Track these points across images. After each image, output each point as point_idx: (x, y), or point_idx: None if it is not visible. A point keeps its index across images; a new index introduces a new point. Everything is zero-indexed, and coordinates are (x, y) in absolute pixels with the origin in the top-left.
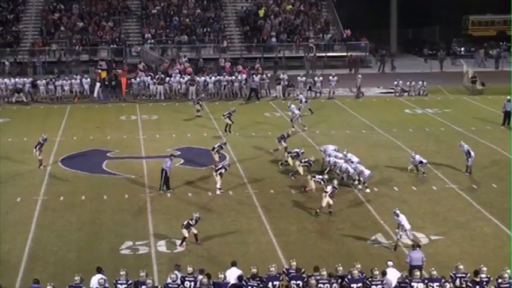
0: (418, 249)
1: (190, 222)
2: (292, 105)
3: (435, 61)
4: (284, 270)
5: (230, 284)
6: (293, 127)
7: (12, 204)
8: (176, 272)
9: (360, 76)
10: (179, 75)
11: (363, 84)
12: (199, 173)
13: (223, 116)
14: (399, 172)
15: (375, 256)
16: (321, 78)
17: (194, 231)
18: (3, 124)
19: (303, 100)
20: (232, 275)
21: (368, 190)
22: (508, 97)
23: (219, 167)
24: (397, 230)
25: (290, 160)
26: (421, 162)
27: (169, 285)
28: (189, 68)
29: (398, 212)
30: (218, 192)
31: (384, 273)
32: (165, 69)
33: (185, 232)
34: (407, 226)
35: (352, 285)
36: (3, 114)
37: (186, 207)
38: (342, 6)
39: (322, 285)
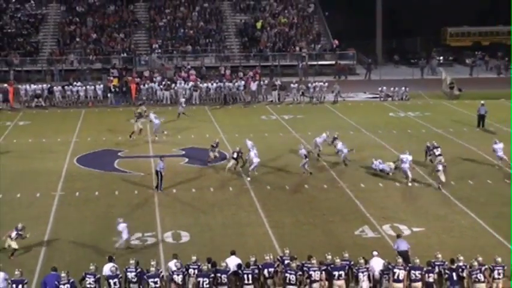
0: (401, 238)
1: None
2: (152, 115)
3: (416, 69)
4: (278, 257)
5: (230, 272)
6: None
7: (32, 199)
8: (174, 260)
9: (337, 85)
10: (184, 81)
11: (349, 90)
12: (202, 170)
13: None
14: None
15: (361, 246)
16: (314, 84)
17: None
18: (24, 126)
19: (183, 105)
20: (231, 262)
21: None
22: (482, 101)
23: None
24: None
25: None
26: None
27: (175, 273)
28: (193, 75)
29: None
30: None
31: (366, 262)
32: (171, 76)
33: (14, 244)
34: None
35: (334, 272)
36: (24, 118)
37: (190, 201)
38: (331, 19)
39: (313, 273)
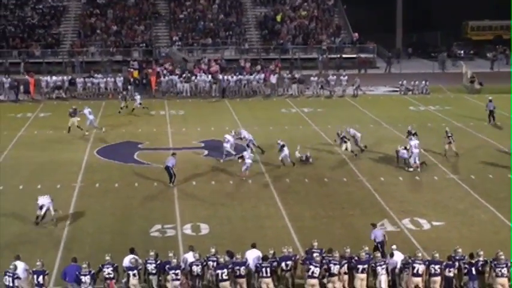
0: (378, 227)
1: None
2: (86, 109)
3: (437, 62)
4: (306, 250)
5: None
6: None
7: (53, 190)
8: (191, 252)
9: (357, 79)
10: (204, 74)
11: (369, 83)
12: (222, 163)
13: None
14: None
15: None
16: (334, 77)
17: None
18: (45, 118)
19: (138, 101)
20: (252, 255)
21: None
22: (490, 97)
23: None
24: None
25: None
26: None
27: (194, 264)
28: (214, 67)
29: None
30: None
31: (391, 255)
32: (190, 69)
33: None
34: None
35: (358, 266)
36: (45, 109)
37: (209, 194)
38: (352, 12)
39: (332, 266)
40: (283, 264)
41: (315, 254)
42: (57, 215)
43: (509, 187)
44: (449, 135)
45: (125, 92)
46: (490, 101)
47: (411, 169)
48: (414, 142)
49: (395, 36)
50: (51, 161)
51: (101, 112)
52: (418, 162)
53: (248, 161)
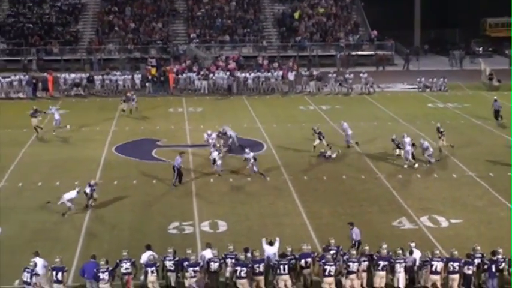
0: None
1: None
2: (53, 109)
3: (452, 59)
4: (323, 247)
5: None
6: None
7: (71, 187)
8: (208, 249)
9: (370, 77)
10: (222, 71)
11: (387, 80)
12: (240, 160)
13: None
14: (422, 161)
15: (399, 237)
16: (352, 75)
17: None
18: (63, 115)
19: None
20: (268, 252)
21: None
22: (495, 97)
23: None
24: None
25: None
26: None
27: (212, 260)
28: (231, 64)
29: None
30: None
31: (411, 253)
32: (208, 66)
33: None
34: None
35: (379, 262)
36: (63, 106)
37: (227, 191)
38: (370, 9)
39: (351, 264)
40: (302, 261)
41: (331, 252)
42: (73, 207)
43: None
44: (441, 131)
45: (129, 94)
46: (495, 100)
47: (406, 165)
48: (408, 139)
49: (414, 33)
50: (69, 158)
51: (118, 111)
52: (412, 160)
53: (219, 161)
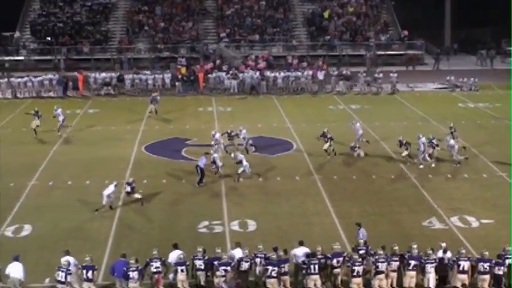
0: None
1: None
2: (58, 109)
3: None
4: (352, 247)
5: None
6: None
7: (101, 186)
8: (238, 248)
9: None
10: (251, 71)
11: (417, 80)
12: (269, 160)
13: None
14: (452, 161)
15: (429, 237)
16: (381, 74)
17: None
18: (93, 114)
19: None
20: (299, 252)
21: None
22: None
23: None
24: None
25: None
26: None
27: (244, 259)
28: (261, 63)
29: None
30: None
31: (445, 251)
32: (238, 65)
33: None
34: None
35: (410, 261)
36: (93, 105)
37: (257, 190)
38: (400, 9)
39: (380, 264)
40: (334, 260)
41: (361, 252)
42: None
43: None
44: (453, 130)
45: (154, 94)
46: None
47: (421, 166)
48: (423, 140)
49: (444, 32)
50: (99, 157)
51: (148, 110)
52: (428, 159)
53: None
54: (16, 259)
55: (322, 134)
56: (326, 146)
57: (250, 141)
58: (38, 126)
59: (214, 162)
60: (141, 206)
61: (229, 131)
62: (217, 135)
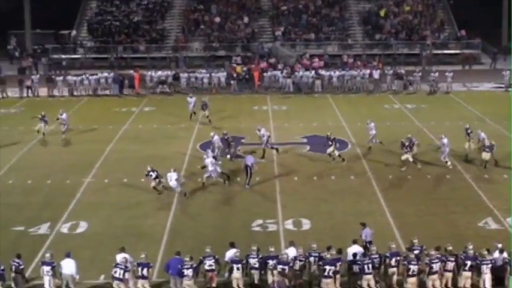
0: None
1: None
2: (63, 113)
3: None
4: (407, 246)
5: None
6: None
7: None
8: (292, 247)
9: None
10: (307, 70)
11: (473, 79)
12: (324, 158)
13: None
14: (509, 160)
15: (484, 238)
16: (437, 73)
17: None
18: (149, 112)
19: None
20: (353, 251)
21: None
22: None
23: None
24: None
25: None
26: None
27: (298, 259)
28: (316, 63)
29: None
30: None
31: (501, 251)
32: (292, 64)
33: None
34: None
35: (466, 262)
36: (149, 104)
37: (311, 189)
38: (456, 7)
39: (434, 265)
40: (393, 260)
41: (416, 251)
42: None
43: None
44: (469, 132)
45: (204, 99)
46: None
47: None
48: (445, 140)
49: (501, 31)
50: (154, 154)
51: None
52: (447, 159)
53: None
54: (68, 255)
55: (327, 137)
56: (330, 149)
57: (269, 145)
58: (39, 131)
59: (205, 166)
60: (185, 196)
61: (225, 133)
62: (216, 137)
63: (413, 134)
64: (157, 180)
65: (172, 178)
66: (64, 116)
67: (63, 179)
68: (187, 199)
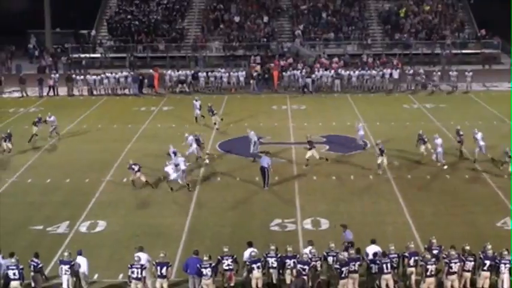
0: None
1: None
2: (52, 117)
3: None
4: (425, 246)
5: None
6: None
7: (175, 183)
8: (310, 247)
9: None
10: (326, 70)
11: (493, 79)
12: (342, 158)
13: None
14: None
15: (503, 238)
16: (456, 73)
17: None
18: (168, 111)
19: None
20: (371, 251)
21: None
22: None
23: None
24: None
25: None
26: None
27: (312, 259)
28: (335, 63)
29: None
30: None
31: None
32: (311, 63)
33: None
34: None
35: (485, 261)
36: (168, 103)
37: (330, 189)
38: (476, 6)
39: (453, 265)
40: (412, 259)
41: (434, 251)
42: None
43: None
44: (461, 134)
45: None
46: None
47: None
48: (439, 141)
49: None
50: None
51: (222, 107)
52: (443, 161)
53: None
54: (79, 253)
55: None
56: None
57: (258, 148)
58: (36, 135)
59: (177, 165)
60: (188, 190)
61: (197, 135)
62: (190, 137)
63: (432, 133)
64: (139, 173)
65: (179, 162)
66: (52, 118)
67: (82, 178)
68: (190, 191)
